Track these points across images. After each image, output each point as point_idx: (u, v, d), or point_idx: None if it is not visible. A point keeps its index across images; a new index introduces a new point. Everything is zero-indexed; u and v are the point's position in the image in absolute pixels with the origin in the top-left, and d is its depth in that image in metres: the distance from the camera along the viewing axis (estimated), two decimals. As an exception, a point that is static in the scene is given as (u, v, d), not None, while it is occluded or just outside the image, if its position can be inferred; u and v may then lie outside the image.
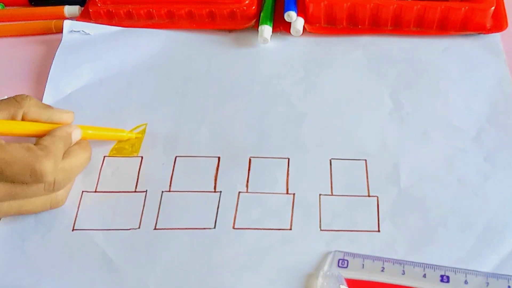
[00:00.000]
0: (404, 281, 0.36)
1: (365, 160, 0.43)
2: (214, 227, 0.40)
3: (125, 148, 0.45)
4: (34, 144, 0.37)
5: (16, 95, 0.39)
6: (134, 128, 0.47)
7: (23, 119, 0.39)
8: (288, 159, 0.44)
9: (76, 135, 0.40)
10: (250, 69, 0.51)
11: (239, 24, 0.54)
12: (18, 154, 0.35)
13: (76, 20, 0.56)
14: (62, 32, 0.55)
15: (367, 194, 0.41)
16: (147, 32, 0.55)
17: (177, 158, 0.44)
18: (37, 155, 0.36)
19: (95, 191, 0.43)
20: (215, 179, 0.43)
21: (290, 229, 0.40)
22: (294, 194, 0.41)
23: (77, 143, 0.41)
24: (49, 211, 0.41)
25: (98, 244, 0.40)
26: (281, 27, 0.53)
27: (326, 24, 0.53)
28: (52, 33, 0.56)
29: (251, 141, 0.45)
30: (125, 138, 0.45)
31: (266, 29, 0.52)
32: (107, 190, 0.43)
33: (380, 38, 0.52)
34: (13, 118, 0.38)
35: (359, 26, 0.52)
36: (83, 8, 0.57)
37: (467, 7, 0.49)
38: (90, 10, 0.55)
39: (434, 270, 0.36)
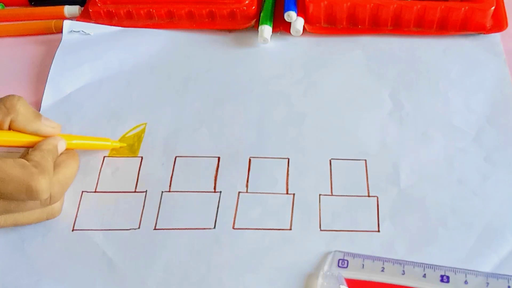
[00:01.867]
0: (404, 281, 0.36)
1: (365, 160, 0.43)
2: (214, 227, 0.40)
3: (125, 149, 0.45)
4: (24, 158, 0.36)
5: (6, 98, 0.38)
6: (134, 128, 0.47)
7: (9, 126, 0.38)
8: (288, 159, 0.44)
9: (62, 146, 0.40)
10: (250, 69, 0.51)
11: (239, 24, 0.54)
12: (13, 172, 0.35)
13: (76, 20, 0.56)
14: (62, 32, 0.55)
15: (367, 194, 0.41)
16: (147, 32, 0.55)
17: (177, 158, 0.44)
18: (32, 172, 0.35)
19: (95, 191, 0.43)
20: (215, 179, 0.43)
21: (290, 229, 0.40)
22: (294, 194, 0.41)
23: (65, 153, 0.40)
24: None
25: (98, 244, 0.40)
26: (281, 27, 0.53)
27: (326, 24, 0.53)
28: (52, 33, 0.56)
29: (251, 141, 0.45)
30: (109, 147, 0.45)
31: (266, 29, 0.52)
32: (107, 190, 0.43)
33: (380, 38, 0.52)
34: (0, 124, 0.38)
35: (359, 26, 0.52)
36: (83, 8, 0.57)
37: (467, 7, 0.49)
38: (90, 10, 0.55)
39: (434, 270, 0.36)
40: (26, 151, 0.39)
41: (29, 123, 0.38)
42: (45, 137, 0.39)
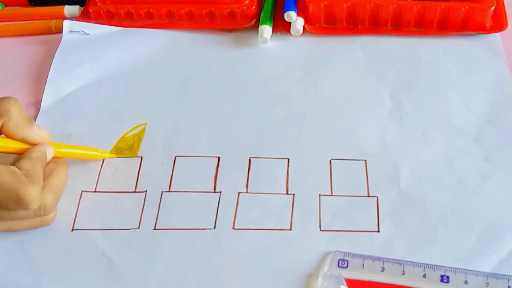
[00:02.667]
0: (404, 281, 0.36)
1: (365, 160, 0.43)
2: (214, 228, 0.40)
3: (124, 149, 0.45)
4: (13, 165, 0.36)
5: (1, 100, 0.37)
6: (133, 128, 0.47)
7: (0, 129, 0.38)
8: (288, 159, 0.44)
9: (50, 153, 0.40)
10: (250, 69, 0.51)
11: (239, 24, 0.54)
12: (2, 179, 0.35)
13: (76, 20, 0.56)
14: (62, 32, 0.55)
15: (367, 194, 0.41)
16: (147, 32, 0.55)
17: (177, 158, 0.44)
18: (22, 181, 0.35)
19: (95, 191, 0.43)
20: (215, 179, 0.43)
21: (290, 229, 0.40)
22: (294, 194, 0.41)
23: (53, 161, 0.40)
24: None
25: (97, 244, 0.40)
26: (281, 27, 0.53)
27: (326, 24, 0.53)
28: (52, 33, 0.56)
29: (251, 141, 0.45)
30: (97, 158, 0.44)
31: (266, 29, 0.52)
32: (107, 190, 0.43)
33: (380, 38, 0.52)
34: None
35: (359, 26, 0.52)
36: (83, 8, 0.57)
37: (467, 7, 0.49)
38: (90, 10, 0.55)
39: (434, 270, 0.36)
40: (17, 157, 0.39)
41: (19, 129, 0.38)
42: (34, 144, 0.39)
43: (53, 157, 0.40)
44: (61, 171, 0.40)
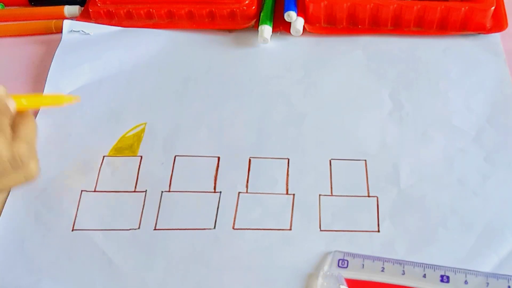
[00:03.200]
0: (404, 281, 0.36)
1: (365, 160, 0.43)
2: (214, 228, 0.40)
3: (124, 148, 0.45)
4: None
5: None
6: (133, 127, 0.47)
7: None
8: (288, 159, 0.44)
9: (11, 104, 0.37)
10: (250, 69, 0.51)
11: (239, 24, 0.54)
12: None
13: (76, 20, 0.56)
14: (62, 32, 0.55)
15: (367, 194, 0.41)
16: (147, 32, 0.55)
17: (177, 157, 0.44)
18: None
19: (95, 191, 0.43)
20: (215, 179, 0.43)
21: (290, 229, 0.40)
22: (294, 194, 0.41)
23: (18, 115, 0.38)
24: (49, 211, 0.41)
25: (97, 244, 0.40)
26: (281, 27, 0.53)
27: (326, 24, 0.53)
28: (52, 33, 0.56)
29: (251, 141, 0.45)
30: (61, 101, 0.42)
31: (266, 29, 0.52)
32: (107, 190, 0.43)
33: (380, 38, 0.52)
34: None
35: (359, 26, 0.52)
36: (83, 8, 0.57)
37: (467, 7, 0.49)
38: (90, 10, 0.55)
39: (434, 270, 0.36)
40: None
41: None
42: None
43: (17, 111, 0.38)
44: (27, 121, 0.38)
